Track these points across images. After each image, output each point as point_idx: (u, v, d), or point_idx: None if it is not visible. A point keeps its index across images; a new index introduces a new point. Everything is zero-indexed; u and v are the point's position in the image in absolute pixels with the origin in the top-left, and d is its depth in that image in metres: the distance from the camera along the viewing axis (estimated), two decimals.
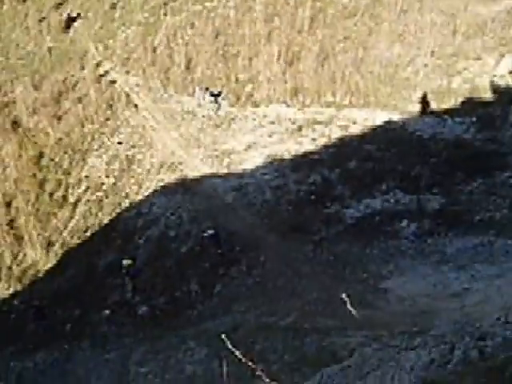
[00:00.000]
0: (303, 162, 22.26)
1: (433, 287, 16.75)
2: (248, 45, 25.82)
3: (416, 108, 23.31)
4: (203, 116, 24.88)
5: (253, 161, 23.17)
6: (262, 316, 16.68)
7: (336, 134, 22.91)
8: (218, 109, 24.81)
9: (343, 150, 22.40)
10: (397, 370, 8.78)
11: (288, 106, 24.55)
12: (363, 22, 24.73)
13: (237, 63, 25.66)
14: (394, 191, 20.69)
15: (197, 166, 23.38)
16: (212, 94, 24.93)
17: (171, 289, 19.88)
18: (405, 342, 10.48)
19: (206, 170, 23.26)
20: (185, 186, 22.78)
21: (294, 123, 23.93)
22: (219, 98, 24.85)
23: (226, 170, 23.19)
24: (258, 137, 23.91)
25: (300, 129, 23.38)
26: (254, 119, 24.52)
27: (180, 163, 23.51)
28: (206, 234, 20.44)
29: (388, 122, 22.90)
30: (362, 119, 23.13)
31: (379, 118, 22.93)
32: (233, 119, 24.68)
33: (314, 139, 22.87)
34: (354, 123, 23.08)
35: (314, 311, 16.27)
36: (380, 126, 22.84)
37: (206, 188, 22.67)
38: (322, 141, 22.84)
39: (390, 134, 22.55)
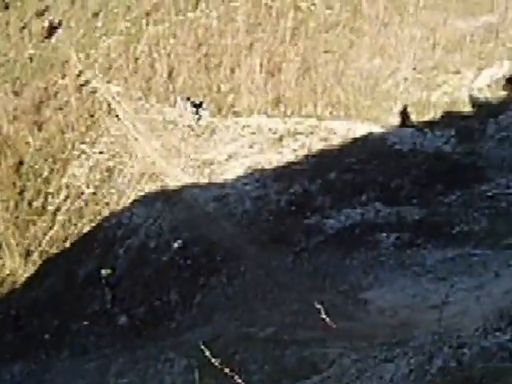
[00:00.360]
0: (284, 172, 22.35)
1: (412, 298, 16.73)
2: (230, 55, 25.97)
3: (396, 120, 23.65)
4: (184, 126, 24.90)
5: (234, 171, 23.21)
6: (242, 326, 16.61)
7: (317, 145, 23.07)
8: (200, 119, 24.81)
9: (324, 161, 22.52)
10: (376, 381, 8.87)
11: (269, 116, 24.67)
12: (344, 34, 25.02)
13: (219, 73, 25.77)
14: (373, 202, 20.80)
15: (177, 176, 23.37)
16: (194, 104, 24.99)
17: (151, 299, 19.86)
18: (384, 352, 10.65)
19: (187, 179, 23.26)
20: (165, 196, 22.79)
21: (275, 134, 24.02)
22: (201, 108, 24.85)
23: (206, 180, 23.19)
24: (240, 147, 23.98)
25: (281, 139, 23.50)
26: (236, 129, 24.59)
27: (161, 173, 23.51)
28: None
29: (368, 134, 23.16)
30: (343, 131, 23.31)
31: (359, 129, 23.18)
32: (214, 129, 24.76)
33: (294, 150, 23.00)
34: (335, 135, 23.25)
35: (294, 322, 16.19)
36: (360, 138, 23.09)
37: (187, 198, 22.68)
38: (303, 152, 22.97)
39: (370, 145, 22.78)
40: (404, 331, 13.52)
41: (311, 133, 23.54)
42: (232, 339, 15.86)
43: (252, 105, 25.05)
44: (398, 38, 24.70)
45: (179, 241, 20.57)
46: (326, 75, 24.27)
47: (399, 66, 24.31)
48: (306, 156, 22.94)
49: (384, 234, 19.62)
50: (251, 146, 23.83)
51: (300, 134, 23.59)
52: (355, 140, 23.03)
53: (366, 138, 23.05)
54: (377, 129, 23.28)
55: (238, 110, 25.18)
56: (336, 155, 22.68)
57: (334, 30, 25.09)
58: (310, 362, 13.51)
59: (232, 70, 25.76)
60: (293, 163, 22.79)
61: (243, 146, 23.97)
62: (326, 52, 24.60)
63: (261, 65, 25.50)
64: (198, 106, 25.02)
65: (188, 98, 25.25)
